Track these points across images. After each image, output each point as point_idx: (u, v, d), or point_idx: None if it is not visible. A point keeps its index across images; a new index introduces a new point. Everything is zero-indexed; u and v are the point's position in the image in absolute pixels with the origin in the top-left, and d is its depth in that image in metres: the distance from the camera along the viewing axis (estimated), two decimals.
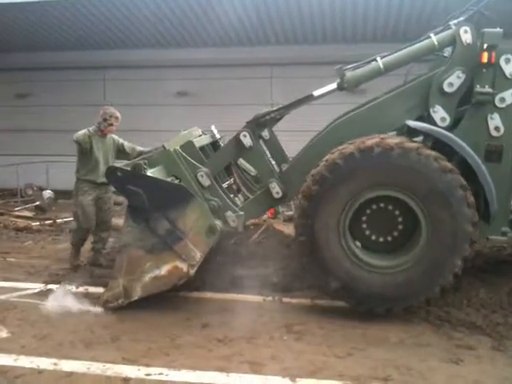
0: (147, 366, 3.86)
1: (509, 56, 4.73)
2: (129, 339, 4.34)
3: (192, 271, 4.75)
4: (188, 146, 5.39)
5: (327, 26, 11.28)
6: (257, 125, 5.35)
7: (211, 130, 6.33)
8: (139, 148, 6.46)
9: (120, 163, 5.39)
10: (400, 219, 4.80)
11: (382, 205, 4.77)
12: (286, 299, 5.27)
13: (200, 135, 6.10)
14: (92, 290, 5.51)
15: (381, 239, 4.86)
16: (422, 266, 4.58)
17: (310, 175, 4.70)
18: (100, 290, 5.30)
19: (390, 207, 4.77)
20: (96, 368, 3.84)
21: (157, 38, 12.22)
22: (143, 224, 4.83)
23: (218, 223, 4.86)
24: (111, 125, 6.22)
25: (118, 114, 6.28)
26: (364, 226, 4.84)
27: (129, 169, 4.93)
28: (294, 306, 5.13)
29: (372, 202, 4.75)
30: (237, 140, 5.27)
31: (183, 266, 4.74)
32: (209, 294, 5.35)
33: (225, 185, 5.68)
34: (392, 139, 4.58)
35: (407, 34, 11.21)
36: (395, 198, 4.65)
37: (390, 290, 4.61)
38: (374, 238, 4.86)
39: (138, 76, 12.85)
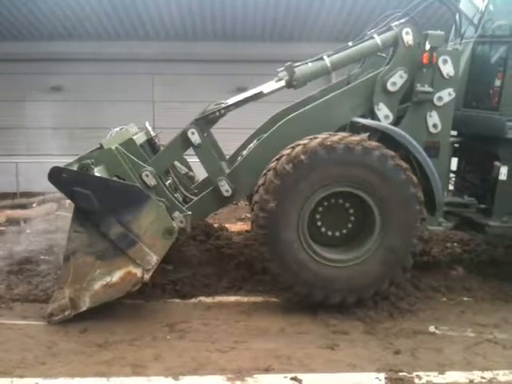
0: (21, 377, 3.67)
1: (446, 57, 5.05)
2: (0, 349, 4.08)
3: (147, 276, 4.53)
4: (130, 143, 5.14)
5: (207, 23, 11.30)
6: (206, 122, 5.24)
7: (145, 127, 6.09)
8: None
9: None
10: (352, 214, 4.95)
11: (333, 200, 4.88)
12: (169, 299, 5.21)
13: (136, 133, 5.82)
14: None
15: (335, 234, 4.98)
16: (373, 260, 4.75)
17: (270, 169, 4.71)
18: None
19: (342, 202, 4.91)
20: None
21: (29, 29, 11.49)
22: (92, 228, 4.50)
23: (175, 224, 4.66)
24: None
25: None
26: (318, 221, 4.94)
27: (75, 169, 4.54)
28: (178, 305, 5.11)
29: (327, 198, 4.84)
30: (184, 137, 5.13)
31: (137, 271, 4.51)
32: None
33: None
34: (353, 137, 4.71)
35: (274, 33, 11.62)
36: (349, 193, 4.78)
37: (342, 283, 4.73)
38: (328, 232, 4.97)
39: (8, 70, 12.01)
